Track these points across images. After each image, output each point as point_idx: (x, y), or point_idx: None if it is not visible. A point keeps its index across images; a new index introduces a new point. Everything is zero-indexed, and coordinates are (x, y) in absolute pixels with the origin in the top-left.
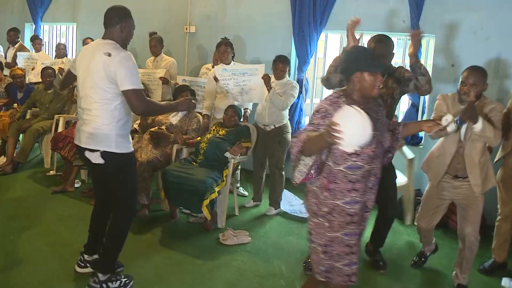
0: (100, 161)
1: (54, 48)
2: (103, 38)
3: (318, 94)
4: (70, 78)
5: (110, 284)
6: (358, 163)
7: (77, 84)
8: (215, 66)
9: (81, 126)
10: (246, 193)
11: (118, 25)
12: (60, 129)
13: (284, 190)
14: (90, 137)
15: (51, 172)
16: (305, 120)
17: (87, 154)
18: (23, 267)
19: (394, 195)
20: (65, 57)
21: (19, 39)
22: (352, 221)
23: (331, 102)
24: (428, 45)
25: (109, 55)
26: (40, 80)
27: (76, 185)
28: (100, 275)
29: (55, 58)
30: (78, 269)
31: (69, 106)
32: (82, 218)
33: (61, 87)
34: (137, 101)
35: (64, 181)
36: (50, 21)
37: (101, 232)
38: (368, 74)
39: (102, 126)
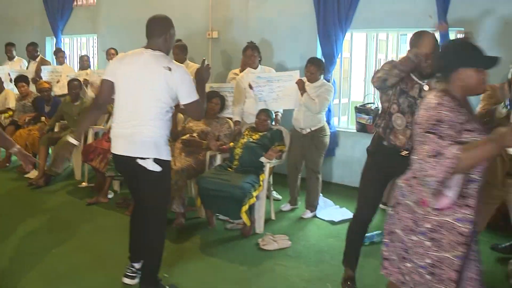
0: (157, 168)
1: (75, 61)
2: (148, 47)
3: (345, 94)
4: (111, 90)
5: None
6: (472, 175)
7: (119, 93)
8: (244, 73)
9: (130, 135)
10: (280, 196)
11: (163, 35)
12: (89, 141)
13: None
14: (143, 145)
15: (83, 183)
16: (334, 121)
17: (141, 162)
18: (68, 281)
19: None
20: (89, 69)
21: (38, 53)
22: (463, 242)
23: (450, 108)
24: None
25: (169, 69)
26: (66, 92)
27: (109, 196)
28: None
29: (79, 70)
30: (128, 281)
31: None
32: (120, 229)
33: (105, 101)
34: (198, 109)
35: (97, 193)
36: (71, 33)
37: (141, 235)
38: (475, 70)
39: (155, 135)
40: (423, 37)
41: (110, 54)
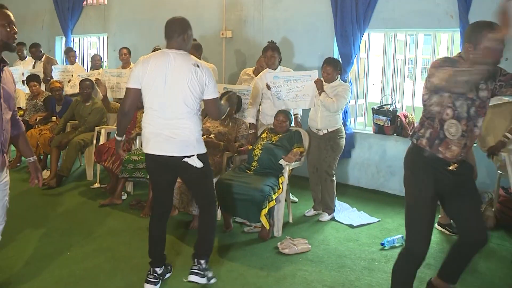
0: (200, 164)
1: (85, 60)
2: (170, 48)
3: (361, 94)
4: (136, 97)
5: (207, 273)
6: None
7: (151, 96)
8: (262, 73)
9: (171, 135)
10: (296, 199)
11: (181, 36)
12: (101, 141)
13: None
14: (185, 144)
15: (95, 184)
16: (351, 122)
17: (188, 160)
18: (86, 285)
19: (479, 204)
20: (101, 68)
21: (42, 52)
22: None
23: None
24: None
25: (198, 66)
26: (77, 91)
27: (122, 197)
28: (203, 262)
29: (90, 69)
30: (150, 287)
31: (107, 117)
32: (135, 231)
33: (130, 108)
34: (218, 107)
35: (111, 194)
36: (80, 33)
37: (164, 240)
38: None
39: (193, 132)
40: (487, 28)
41: (122, 54)
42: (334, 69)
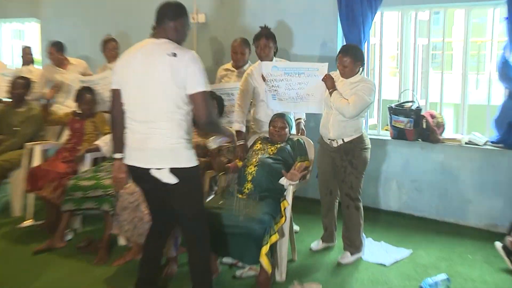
0: (173, 180)
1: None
2: (155, 37)
3: None
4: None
5: None
6: None
7: (125, 97)
8: (254, 66)
9: (141, 142)
10: (297, 227)
11: (172, 22)
12: (36, 162)
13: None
14: (156, 154)
15: (25, 222)
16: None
17: (155, 173)
18: None
19: None
20: (32, 64)
21: None
22: None
23: None
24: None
25: (175, 55)
26: (4, 96)
27: (67, 238)
28: None
29: (23, 66)
30: None
31: (45, 129)
32: (87, 284)
33: (119, 111)
34: (205, 106)
35: (50, 234)
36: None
37: (154, 267)
38: None
39: (170, 139)
40: None
41: (48, 52)
42: (353, 59)
